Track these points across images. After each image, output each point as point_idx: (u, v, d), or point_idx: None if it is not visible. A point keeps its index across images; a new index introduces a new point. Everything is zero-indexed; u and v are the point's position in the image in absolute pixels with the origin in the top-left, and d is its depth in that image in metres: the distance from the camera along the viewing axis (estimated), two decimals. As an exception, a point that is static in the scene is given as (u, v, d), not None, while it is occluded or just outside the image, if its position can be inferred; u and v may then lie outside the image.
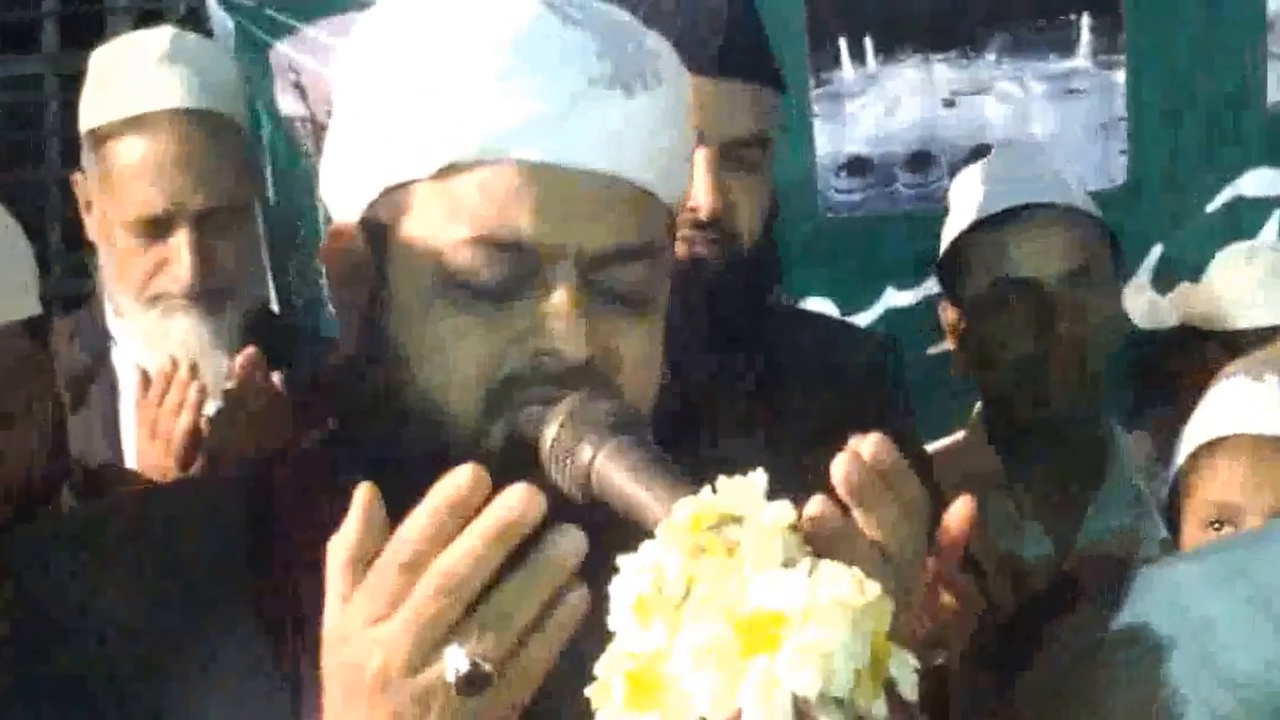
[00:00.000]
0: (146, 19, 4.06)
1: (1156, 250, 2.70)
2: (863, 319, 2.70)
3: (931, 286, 2.46)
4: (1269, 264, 2.53)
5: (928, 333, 2.47)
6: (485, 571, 0.93)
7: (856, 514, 1.04)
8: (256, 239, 2.37)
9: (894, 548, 1.04)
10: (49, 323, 1.80)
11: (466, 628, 0.93)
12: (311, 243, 2.65)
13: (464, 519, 0.93)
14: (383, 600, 0.94)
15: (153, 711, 1.10)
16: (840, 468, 1.03)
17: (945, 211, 2.35)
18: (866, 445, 1.05)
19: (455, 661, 0.92)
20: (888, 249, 2.69)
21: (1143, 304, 2.66)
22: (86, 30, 2.75)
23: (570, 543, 0.93)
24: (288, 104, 2.68)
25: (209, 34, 2.68)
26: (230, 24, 2.68)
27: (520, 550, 0.94)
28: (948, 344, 2.36)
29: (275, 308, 2.74)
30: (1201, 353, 2.43)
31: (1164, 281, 2.67)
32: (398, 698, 0.94)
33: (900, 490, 1.05)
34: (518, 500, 0.93)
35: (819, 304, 2.67)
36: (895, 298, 2.70)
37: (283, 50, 2.65)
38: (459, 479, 0.94)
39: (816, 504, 1.00)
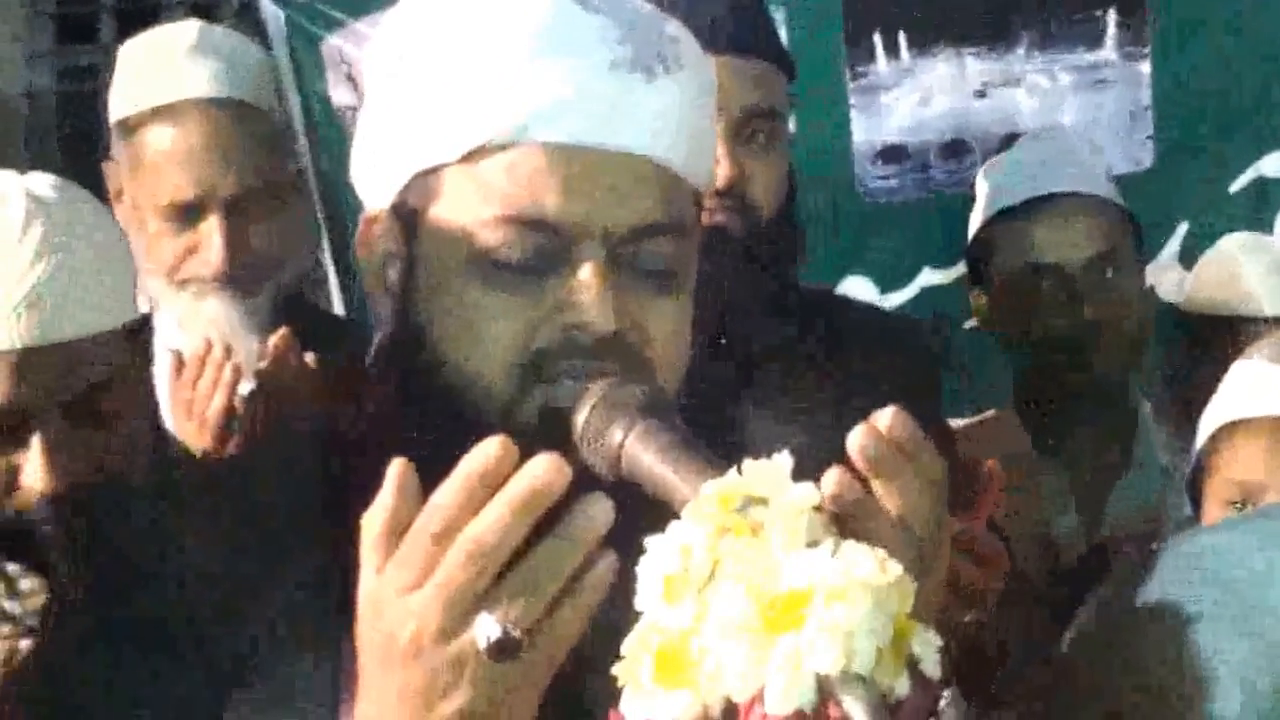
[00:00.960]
0: (200, 12, 4.11)
1: (1182, 228, 2.72)
2: (900, 297, 2.72)
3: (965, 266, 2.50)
4: (1268, 256, 2.54)
5: (963, 310, 2.52)
6: (513, 539, 0.93)
7: (875, 485, 1.04)
8: (299, 223, 2.35)
9: (914, 519, 1.05)
10: (148, 325, 1.79)
11: (496, 595, 0.93)
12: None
13: (493, 489, 0.94)
14: (414, 570, 0.95)
15: (231, 654, 1.13)
16: (857, 440, 1.04)
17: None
18: (883, 418, 1.06)
19: (486, 629, 0.93)
20: (923, 231, 2.70)
21: (1172, 280, 2.68)
22: (143, 22, 2.79)
23: (599, 510, 0.94)
24: (340, 96, 2.65)
25: (261, 28, 2.71)
26: (282, 18, 2.65)
27: (550, 522, 0.94)
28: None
29: (340, 303, 2.74)
30: (1210, 339, 2.43)
31: (1190, 260, 2.68)
32: (430, 665, 0.95)
33: (919, 462, 1.06)
34: (543, 469, 0.94)
35: (859, 283, 2.69)
36: (931, 277, 2.71)
37: (334, 43, 2.64)
38: (487, 449, 0.95)
39: (833, 477, 1.01)
